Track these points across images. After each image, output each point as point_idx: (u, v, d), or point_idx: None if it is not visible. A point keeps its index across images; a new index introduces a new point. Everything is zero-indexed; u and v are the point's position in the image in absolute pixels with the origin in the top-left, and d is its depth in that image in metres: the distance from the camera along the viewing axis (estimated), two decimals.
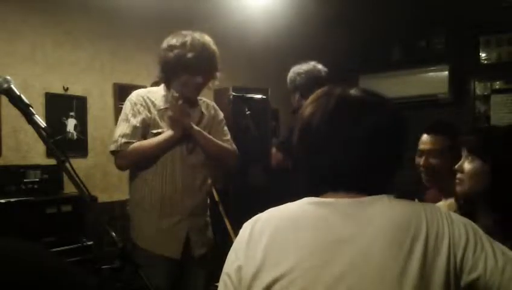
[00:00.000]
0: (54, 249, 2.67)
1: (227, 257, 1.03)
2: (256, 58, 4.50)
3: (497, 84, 4.74)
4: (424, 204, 1.02)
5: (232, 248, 1.03)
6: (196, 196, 2.37)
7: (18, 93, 1.48)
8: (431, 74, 4.87)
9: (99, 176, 3.52)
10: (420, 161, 2.08)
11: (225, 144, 2.44)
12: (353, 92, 1.06)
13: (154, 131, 2.30)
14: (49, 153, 3.03)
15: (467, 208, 1.64)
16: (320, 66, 2.85)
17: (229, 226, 3.48)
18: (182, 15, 3.60)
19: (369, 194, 0.99)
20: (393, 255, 0.90)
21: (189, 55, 2.24)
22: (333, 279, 0.90)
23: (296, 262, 0.94)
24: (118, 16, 3.61)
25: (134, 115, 2.28)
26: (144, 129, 2.29)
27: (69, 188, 2.97)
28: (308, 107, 1.07)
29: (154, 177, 2.30)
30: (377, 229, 0.93)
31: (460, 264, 0.91)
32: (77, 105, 3.47)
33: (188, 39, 2.26)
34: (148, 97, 2.33)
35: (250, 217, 1.06)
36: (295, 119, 1.11)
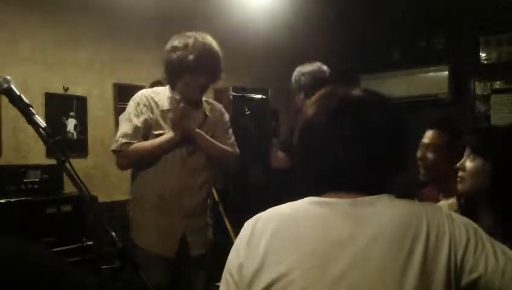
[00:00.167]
0: (54, 249, 2.66)
1: (229, 255, 1.04)
2: (256, 58, 4.49)
3: (497, 84, 4.74)
4: (424, 204, 1.02)
5: (233, 247, 1.03)
6: (196, 197, 2.37)
7: (18, 93, 1.48)
8: (431, 74, 4.88)
9: (99, 176, 3.52)
10: (419, 154, 2.16)
11: (227, 147, 2.44)
12: (355, 92, 1.06)
13: (156, 132, 2.30)
14: (49, 153, 3.02)
15: (467, 207, 1.64)
16: (325, 67, 2.86)
17: (228, 226, 3.48)
18: (182, 15, 3.60)
19: (370, 194, 0.99)
20: (393, 255, 0.90)
21: (191, 56, 2.24)
22: (333, 279, 0.90)
23: (296, 262, 0.94)
24: (118, 16, 3.61)
25: (136, 115, 2.29)
26: (146, 130, 2.30)
27: (69, 188, 2.97)
28: (310, 107, 1.07)
29: (154, 178, 2.31)
30: (377, 229, 0.93)
31: (461, 263, 0.91)
32: (77, 105, 3.47)
33: (191, 40, 2.26)
34: (152, 98, 2.33)
35: (250, 217, 1.06)
36: (299, 119, 1.11)
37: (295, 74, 2.89)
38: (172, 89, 2.37)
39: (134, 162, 2.32)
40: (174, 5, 3.71)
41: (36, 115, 1.46)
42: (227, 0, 3.95)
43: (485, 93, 4.78)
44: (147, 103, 2.31)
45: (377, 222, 0.94)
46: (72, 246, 2.88)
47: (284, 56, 4.31)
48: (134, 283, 1.29)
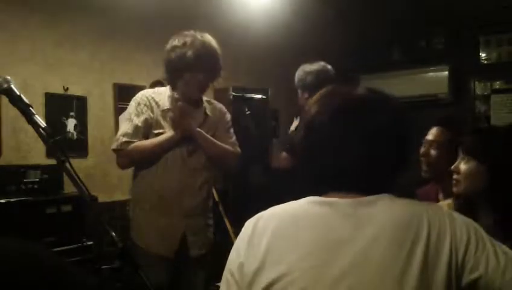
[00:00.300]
0: (54, 249, 2.66)
1: (230, 254, 1.04)
2: (257, 58, 4.49)
3: (497, 84, 4.74)
4: (425, 203, 1.02)
5: (234, 246, 1.03)
6: (196, 197, 2.37)
7: (18, 93, 1.48)
8: (431, 74, 4.87)
9: (99, 176, 3.52)
10: (423, 150, 2.18)
11: (227, 146, 2.44)
12: (358, 91, 1.06)
13: (156, 131, 2.31)
14: (49, 153, 3.02)
15: (466, 207, 1.64)
16: (329, 67, 2.85)
17: (228, 226, 3.48)
18: (182, 15, 3.59)
19: (371, 194, 0.99)
20: (393, 255, 0.90)
21: (190, 53, 2.25)
22: (333, 279, 0.90)
23: (296, 261, 0.93)
24: (118, 16, 3.61)
25: (137, 115, 2.30)
26: (147, 129, 2.31)
27: (69, 188, 2.97)
28: (312, 105, 1.07)
29: (155, 178, 2.31)
30: (377, 229, 0.93)
31: (462, 263, 0.90)
32: (77, 105, 3.47)
33: (189, 38, 2.28)
34: (152, 98, 2.35)
35: (250, 217, 1.06)
36: (301, 118, 1.11)
37: (299, 72, 2.87)
38: (173, 88, 2.37)
39: (134, 160, 2.33)
40: (174, 5, 3.71)
41: (36, 115, 1.46)
42: (227, 0, 3.95)
43: (485, 93, 4.78)
44: (148, 103, 2.32)
45: (377, 221, 0.94)
46: (72, 246, 2.87)
47: (284, 56, 4.32)
48: (134, 283, 1.29)
